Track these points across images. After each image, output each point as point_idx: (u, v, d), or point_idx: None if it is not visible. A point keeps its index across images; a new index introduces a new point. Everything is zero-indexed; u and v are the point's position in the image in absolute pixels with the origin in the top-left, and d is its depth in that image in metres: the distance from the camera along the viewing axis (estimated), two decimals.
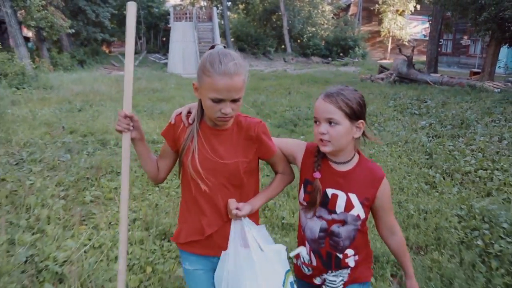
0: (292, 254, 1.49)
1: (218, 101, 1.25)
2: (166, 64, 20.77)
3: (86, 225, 3.05)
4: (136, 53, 25.37)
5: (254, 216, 1.47)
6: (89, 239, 2.81)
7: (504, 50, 16.51)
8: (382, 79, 13.83)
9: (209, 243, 1.41)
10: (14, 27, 13.44)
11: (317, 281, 1.49)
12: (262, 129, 1.39)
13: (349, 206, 1.37)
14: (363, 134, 1.39)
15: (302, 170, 1.46)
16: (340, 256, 1.43)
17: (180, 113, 1.41)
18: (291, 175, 1.55)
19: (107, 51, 26.10)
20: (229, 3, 27.11)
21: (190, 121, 1.38)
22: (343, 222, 1.39)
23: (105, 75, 14.97)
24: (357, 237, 1.43)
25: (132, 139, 1.39)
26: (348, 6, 31.95)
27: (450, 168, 4.53)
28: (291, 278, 1.43)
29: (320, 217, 1.42)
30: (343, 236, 1.40)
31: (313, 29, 27.39)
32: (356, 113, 1.31)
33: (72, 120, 6.33)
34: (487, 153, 5.00)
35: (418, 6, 28.31)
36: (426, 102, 8.91)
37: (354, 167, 1.39)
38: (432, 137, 5.88)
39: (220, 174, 1.37)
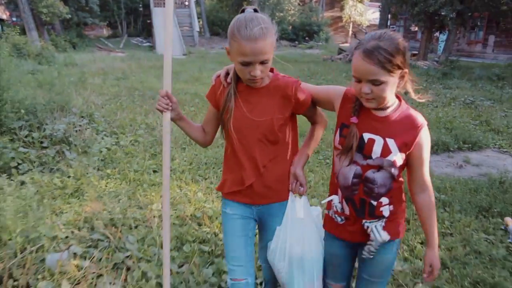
0: (323, 201, 1.61)
1: (246, 64, 1.41)
2: (150, 47, 23.67)
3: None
4: (117, 36, 27.96)
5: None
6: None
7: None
8: (340, 59, 17.80)
9: (249, 193, 1.63)
10: (27, 13, 16.12)
11: (350, 228, 1.53)
12: (298, 87, 1.54)
13: (386, 151, 1.39)
14: (405, 83, 1.37)
15: (339, 114, 1.50)
16: (374, 203, 1.46)
17: (219, 75, 1.61)
18: (325, 121, 1.73)
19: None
20: None
21: (229, 81, 1.56)
22: (378, 168, 1.41)
23: (107, 55, 17.88)
24: (393, 187, 1.45)
25: (172, 120, 1.59)
26: None
27: None
28: None
29: (354, 162, 1.44)
30: (379, 183, 1.43)
31: (281, 14, 31.01)
32: (399, 65, 1.29)
33: (128, 83, 9.64)
34: None
35: None
36: None
37: (393, 113, 1.40)
38: None
39: (256, 130, 1.54)
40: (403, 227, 1.55)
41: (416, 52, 19.53)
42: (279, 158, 1.61)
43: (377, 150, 1.40)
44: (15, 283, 2.25)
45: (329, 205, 1.60)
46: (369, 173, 1.42)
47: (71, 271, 2.35)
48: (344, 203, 1.51)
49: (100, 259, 2.51)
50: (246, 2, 30.85)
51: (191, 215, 3.17)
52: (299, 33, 30.50)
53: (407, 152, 1.40)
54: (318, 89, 1.60)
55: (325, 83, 11.05)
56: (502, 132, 6.21)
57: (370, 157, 1.41)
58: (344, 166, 1.47)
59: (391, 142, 1.38)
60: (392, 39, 1.29)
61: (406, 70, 1.33)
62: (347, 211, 1.51)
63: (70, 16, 19.64)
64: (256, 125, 1.54)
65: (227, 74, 1.58)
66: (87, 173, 3.95)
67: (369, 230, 1.47)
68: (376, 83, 1.29)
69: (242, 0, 30.64)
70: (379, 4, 33.90)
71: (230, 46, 1.44)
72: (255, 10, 1.45)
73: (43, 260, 2.44)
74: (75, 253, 2.50)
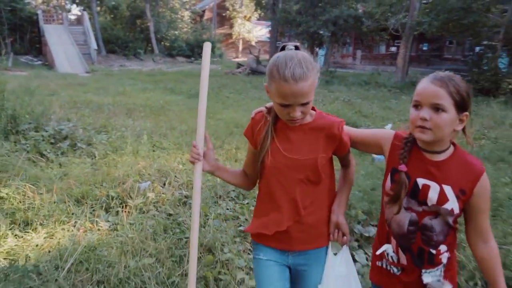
0: (378, 252, 1.52)
1: (285, 106, 1.38)
2: (44, 65, 23.40)
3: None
4: None
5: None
6: None
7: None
8: (240, 72, 20.68)
9: (285, 238, 1.55)
10: None
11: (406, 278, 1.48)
12: (343, 127, 1.52)
13: (442, 198, 1.35)
14: (463, 128, 1.35)
15: (389, 158, 1.48)
16: (434, 252, 1.41)
17: (261, 110, 1.59)
18: (355, 163, 1.70)
19: None
20: (98, 8, 30.63)
21: (269, 118, 1.53)
22: (435, 214, 1.38)
23: (7, 74, 17.83)
24: (450, 233, 1.42)
25: (208, 172, 1.60)
26: (204, 11, 38.80)
27: None
28: None
29: (409, 208, 1.41)
30: (437, 230, 1.39)
31: (176, 32, 33.15)
32: (464, 103, 1.30)
33: (65, 99, 10.82)
34: None
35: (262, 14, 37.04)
36: None
37: (449, 157, 1.38)
38: None
39: (298, 170, 1.49)
40: (455, 280, 1.52)
41: None
42: (319, 201, 1.57)
43: (432, 197, 1.37)
44: (131, 196, 4.14)
45: (381, 255, 1.55)
46: (426, 220, 1.40)
47: (157, 190, 4.31)
48: (401, 252, 1.47)
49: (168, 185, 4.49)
50: (140, 20, 32.27)
51: None
52: (195, 50, 32.94)
53: (465, 200, 1.36)
54: (364, 132, 1.62)
55: (236, 93, 13.59)
56: (368, 116, 9.56)
57: (426, 204, 1.38)
58: (395, 214, 1.45)
59: (448, 189, 1.35)
60: (463, 80, 1.32)
61: (467, 113, 1.33)
62: (403, 260, 1.47)
63: None
64: (298, 165, 1.50)
65: (269, 110, 1.56)
66: (108, 154, 5.69)
67: (428, 286, 1.46)
68: (439, 107, 1.28)
69: (136, 18, 31.99)
70: (266, 22, 38.44)
71: (269, 85, 1.42)
72: (296, 48, 1.43)
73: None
74: (153, 183, 4.45)
